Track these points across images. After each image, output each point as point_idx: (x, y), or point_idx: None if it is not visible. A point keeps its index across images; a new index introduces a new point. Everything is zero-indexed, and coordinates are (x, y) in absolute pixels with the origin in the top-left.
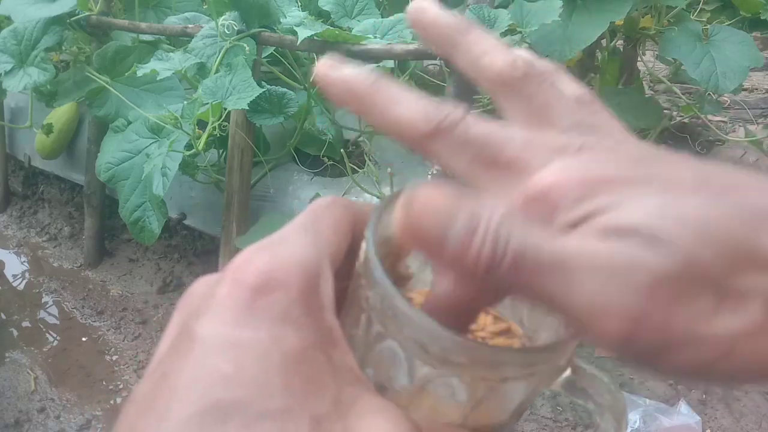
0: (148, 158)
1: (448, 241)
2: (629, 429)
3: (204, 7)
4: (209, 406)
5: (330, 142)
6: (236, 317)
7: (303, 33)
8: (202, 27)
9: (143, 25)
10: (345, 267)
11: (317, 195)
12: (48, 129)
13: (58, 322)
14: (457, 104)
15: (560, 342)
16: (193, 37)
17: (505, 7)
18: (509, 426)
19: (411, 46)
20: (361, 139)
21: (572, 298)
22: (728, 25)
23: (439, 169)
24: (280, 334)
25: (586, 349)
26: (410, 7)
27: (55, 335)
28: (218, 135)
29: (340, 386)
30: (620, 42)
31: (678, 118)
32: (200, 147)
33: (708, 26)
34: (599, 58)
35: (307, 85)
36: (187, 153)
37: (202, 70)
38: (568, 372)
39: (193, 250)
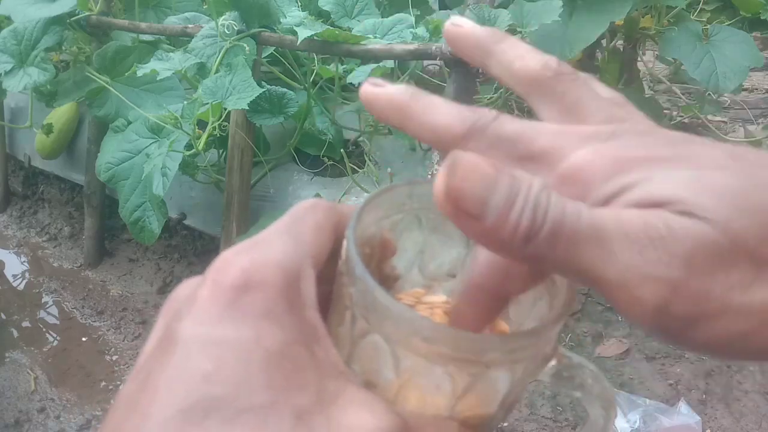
0: (148, 158)
1: (489, 208)
2: (630, 429)
3: (204, 7)
4: (191, 405)
5: (330, 142)
6: (217, 317)
7: (303, 33)
8: (202, 27)
9: (143, 25)
10: (331, 270)
11: (317, 195)
12: (48, 129)
13: (58, 322)
14: (491, 109)
15: (541, 327)
16: (193, 37)
17: (505, 7)
18: (498, 418)
19: (411, 46)
20: (361, 139)
21: (608, 268)
22: (728, 25)
23: (439, 168)
24: (261, 331)
25: (585, 349)
26: (447, 23)
27: (55, 335)
28: (218, 135)
29: (323, 381)
30: (620, 42)
31: (678, 118)
32: (200, 147)
33: (708, 26)
34: (599, 58)
35: (307, 85)
36: (187, 153)
37: (202, 70)
38: (554, 362)
39: (193, 250)
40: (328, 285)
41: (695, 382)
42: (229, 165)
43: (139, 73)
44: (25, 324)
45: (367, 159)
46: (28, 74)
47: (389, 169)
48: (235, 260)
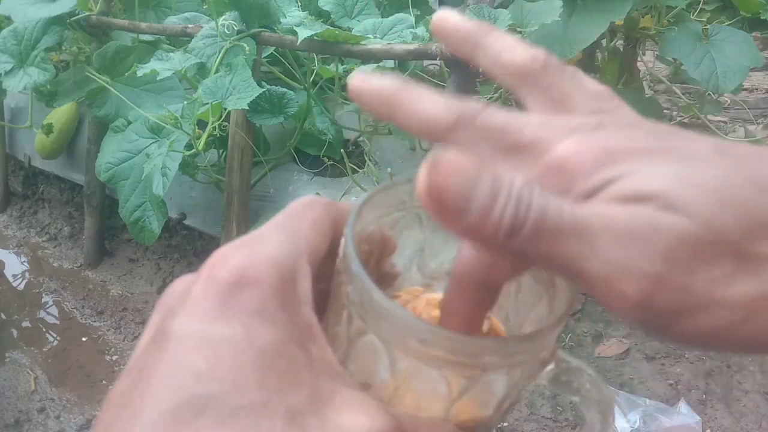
0: (148, 158)
1: (471, 205)
2: (630, 429)
3: (204, 7)
4: (183, 403)
5: (330, 142)
6: (211, 314)
7: (303, 33)
8: (202, 27)
9: (143, 25)
10: (329, 268)
11: (317, 195)
12: (48, 129)
13: (58, 322)
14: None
15: (539, 332)
16: (193, 37)
17: (506, 7)
18: (495, 421)
19: (411, 46)
20: (361, 139)
21: (591, 262)
22: (728, 25)
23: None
24: (255, 329)
25: (585, 349)
26: (434, 17)
27: (55, 335)
28: (218, 135)
29: (318, 381)
30: (620, 42)
31: (678, 118)
32: (200, 147)
33: (708, 26)
34: (599, 58)
35: (307, 85)
36: (187, 153)
37: (202, 70)
38: (552, 365)
39: (193, 250)
40: (326, 283)
41: (695, 382)
42: (229, 165)
43: (139, 73)
44: (25, 324)
45: (367, 159)
46: (28, 74)
47: (389, 169)
48: (230, 257)
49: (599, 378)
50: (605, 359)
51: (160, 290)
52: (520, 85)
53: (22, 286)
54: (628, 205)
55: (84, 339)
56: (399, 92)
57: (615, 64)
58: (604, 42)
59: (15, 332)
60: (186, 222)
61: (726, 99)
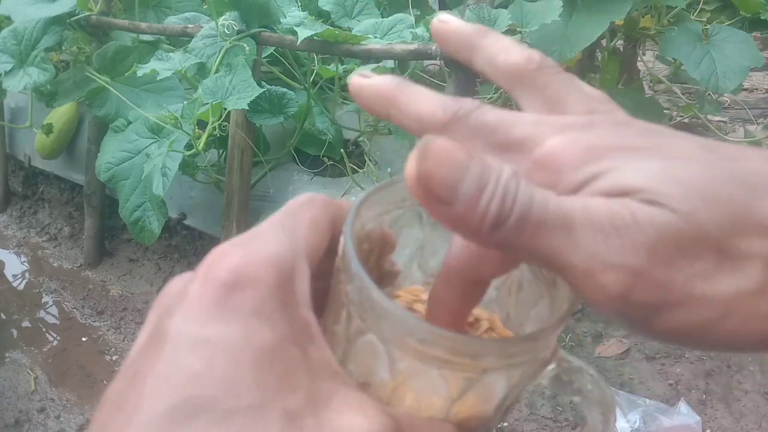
0: (148, 158)
1: (459, 194)
2: (630, 429)
3: (204, 7)
4: (178, 404)
5: (330, 142)
6: (207, 314)
7: (303, 33)
8: (202, 27)
9: (143, 25)
10: (328, 266)
11: None
12: (48, 129)
13: (58, 322)
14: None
15: (540, 332)
16: (193, 37)
17: (505, 7)
18: (495, 421)
19: (411, 46)
20: (361, 139)
21: (573, 255)
22: (728, 25)
23: None
24: (252, 329)
25: (585, 349)
26: (433, 20)
27: (55, 335)
28: (218, 135)
29: (316, 381)
30: (620, 42)
31: (678, 118)
32: (200, 147)
33: (708, 26)
34: (599, 58)
35: (307, 85)
36: (187, 153)
37: (202, 70)
38: (553, 365)
39: (193, 250)
40: (325, 282)
41: (695, 382)
42: (229, 165)
43: (139, 73)
44: (25, 324)
45: (367, 159)
46: (28, 74)
47: (389, 169)
48: (228, 256)
49: (601, 378)
50: (605, 359)
51: (160, 290)
52: (516, 86)
53: (22, 286)
54: (612, 199)
55: (84, 339)
56: (396, 90)
57: (615, 64)
58: (604, 42)
59: (15, 332)
60: (186, 222)
61: (726, 99)
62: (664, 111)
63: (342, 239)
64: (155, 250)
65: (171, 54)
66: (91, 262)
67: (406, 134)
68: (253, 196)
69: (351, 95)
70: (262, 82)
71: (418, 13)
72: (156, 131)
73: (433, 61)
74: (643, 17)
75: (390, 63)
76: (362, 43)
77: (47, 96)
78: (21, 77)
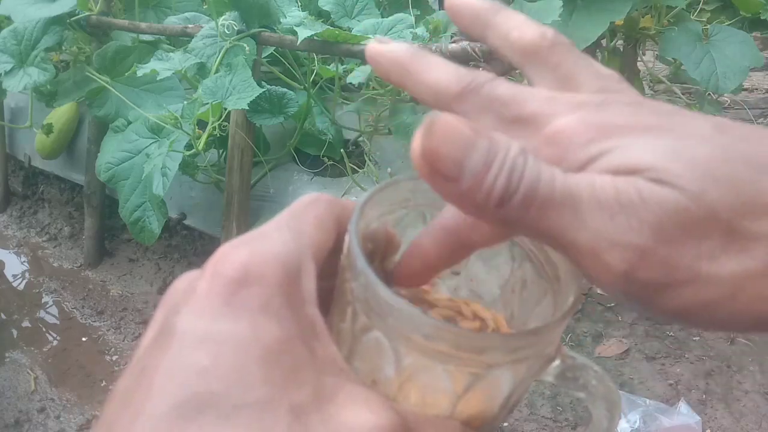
0: (148, 158)
1: (465, 170)
2: (630, 429)
3: (204, 7)
4: (186, 400)
5: (330, 142)
6: (215, 311)
7: (303, 33)
8: (202, 27)
9: (143, 25)
10: (333, 265)
11: None
12: (48, 129)
13: (58, 322)
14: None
15: (544, 326)
16: (193, 37)
17: None
18: (500, 419)
19: None
20: (361, 139)
21: (578, 233)
22: (728, 25)
23: None
24: (259, 326)
25: (585, 349)
26: None
27: (55, 335)
28: (218, 135)
29: (322, 377)
30: (620, 42)
31: None
32: (200, 147)
33: (708, 26)
34: (599, 58)
35: (307, 85)
36: (187, 153)
37: (202, 70)
38: (557, 362)
39: (193, 250)
40: (330, 280)
41: (695, 382)
42: (229, 165)
43: (139, 73)
44: (25, 324)
45: (367, 159)
46: (28, 74)
47: (389, 169)
48: (234, 253)
49: (605, 374)
50: (605, 359)
51: (160, 290)
52: (529, 62)
53: (22, 286)
54: (619, 177)
55: (84, 339)
56: (413, 58)
57: (615, 64)
58: (604, 42)
59: (15, 332)
60: (186, 222)
61: (726, 99)
62: None
63: (347, 238)
64: (155, 250)
65: (171, 54)
66: (91, 262)
67: (406, 134)
68: (253, 196)
69: (368, 61)
70: (262, 82)
71: (418, 13)
72: (156, 131)
73: None
74: (643, 17)
75: None
76: (362, 43)
77: (47, 96)
78: (21, 77)
